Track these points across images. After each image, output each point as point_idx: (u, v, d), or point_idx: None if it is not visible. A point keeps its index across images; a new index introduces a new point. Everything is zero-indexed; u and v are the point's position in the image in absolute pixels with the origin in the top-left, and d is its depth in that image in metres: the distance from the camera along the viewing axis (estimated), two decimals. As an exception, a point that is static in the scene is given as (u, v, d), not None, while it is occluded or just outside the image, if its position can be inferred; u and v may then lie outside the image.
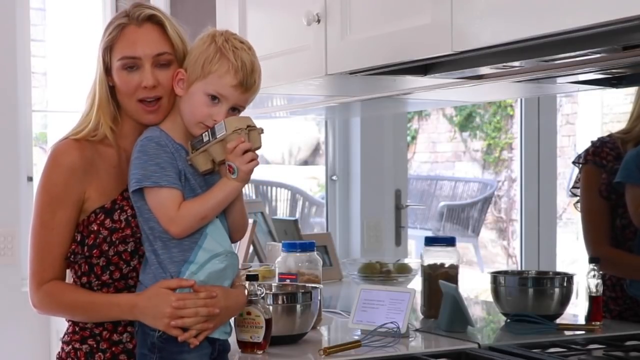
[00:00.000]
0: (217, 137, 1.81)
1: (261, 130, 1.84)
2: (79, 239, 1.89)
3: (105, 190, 1.91)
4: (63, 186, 1.88)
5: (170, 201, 1.80)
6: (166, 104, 1.90)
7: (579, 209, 2.60)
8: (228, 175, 1.82)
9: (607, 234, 2.52)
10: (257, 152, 1.84)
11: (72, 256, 1.90)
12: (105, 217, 1.89)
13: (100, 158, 1.92)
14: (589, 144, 2.58)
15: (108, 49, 1.91)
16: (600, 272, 2.42)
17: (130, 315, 1.85)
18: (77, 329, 1.93)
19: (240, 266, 2.05)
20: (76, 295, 1.90)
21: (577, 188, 2.59)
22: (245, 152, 1.80)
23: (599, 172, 2.52)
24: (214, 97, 1.82)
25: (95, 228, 1.88)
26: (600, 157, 2.52)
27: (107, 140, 1.93)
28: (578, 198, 2.59)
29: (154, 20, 1.90)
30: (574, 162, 2.60)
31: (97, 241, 1.87)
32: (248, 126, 1.82)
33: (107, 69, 1.91)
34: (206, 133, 1.83)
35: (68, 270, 1.94)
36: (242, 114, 1.88)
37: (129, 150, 1.93)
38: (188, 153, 1.85)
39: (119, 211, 1.90)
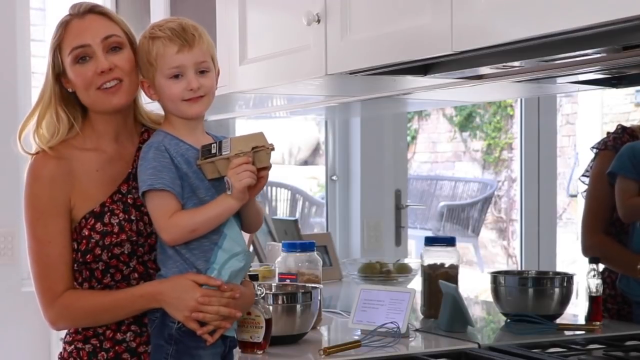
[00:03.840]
0: (222, 154, 1.80)
1: (271, 148, 1.81)
2: (75, 247, 1.88)
3: (89, 195, 1.89)
4: (48, 198, 1.87)
5: (162, 207, 1.79)
6: (128, 85, 1.88)
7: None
8: (226, 190, 1.80)
9: (604, 222, 2.52)
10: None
11: (75, 264, 1.89)
12: (95, 221, 1.87)
13: (78, 164, 1.90)
14: (602, 137, 2.58)
15: (57, 49, 1.90)
16: (600, 272, 2.42)
17: (155, 302, 1.83)
18: (80, 329, 1.91)
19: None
20: (95, 297, 1.88)
21: (587, 176, 2.59)
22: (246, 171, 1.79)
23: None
24: (175, 76, 1.82)
25: (87, 233, 1.86)
26: (622, 142, 2.52)
27: (84, 144, 1.92)
28: (586, 187, 2.59)
29: (96, 10, 1.90)
30: (592, 148, 2.60)
31: (90, 246, 1.86)
32: (253, 148, 1.79)
33: (62, 72, 1.90)
34: (214, 145, 1.81)
35: None
36: (252, 131, 1.86)
37: (110, 151, 1.93)
38: (199, 155, 1.84)
39: (109, 214, 1.87)
